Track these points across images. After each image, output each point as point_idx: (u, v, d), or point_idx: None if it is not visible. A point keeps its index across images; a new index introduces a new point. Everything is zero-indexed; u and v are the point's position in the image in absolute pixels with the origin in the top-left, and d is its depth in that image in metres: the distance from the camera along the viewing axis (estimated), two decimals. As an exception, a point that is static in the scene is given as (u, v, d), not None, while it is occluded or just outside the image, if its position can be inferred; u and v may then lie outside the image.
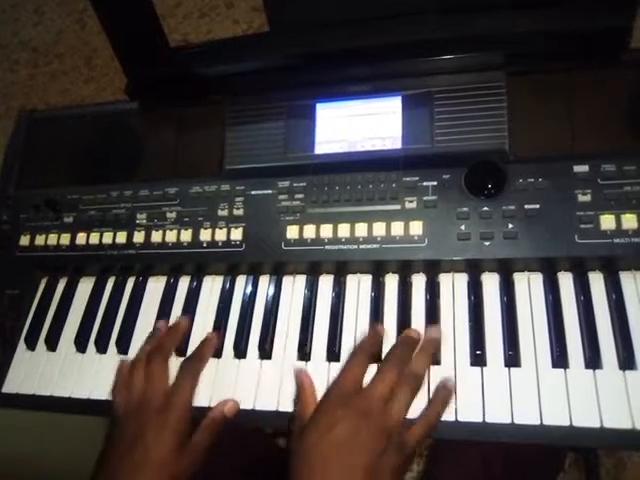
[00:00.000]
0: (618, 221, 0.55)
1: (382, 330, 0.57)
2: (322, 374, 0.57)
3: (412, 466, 1.15)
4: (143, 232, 0.68)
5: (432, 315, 0.57)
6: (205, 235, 0.65)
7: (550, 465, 0.67)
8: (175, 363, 0.59)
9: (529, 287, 0.57)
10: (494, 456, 0.62)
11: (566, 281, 0.57)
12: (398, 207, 0.61)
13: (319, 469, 0.47)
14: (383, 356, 0.55)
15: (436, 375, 0.54)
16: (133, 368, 0.58)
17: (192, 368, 0.58)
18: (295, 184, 0.65)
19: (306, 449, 0.48)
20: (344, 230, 0.61)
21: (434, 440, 0.69)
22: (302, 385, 0.55)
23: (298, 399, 0.55)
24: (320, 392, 0.54)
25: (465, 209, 0.59)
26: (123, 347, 0.64)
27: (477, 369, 0.54)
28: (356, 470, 0.46)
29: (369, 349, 0.55)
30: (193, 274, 0.67)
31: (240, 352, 0.60)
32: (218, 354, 0.61)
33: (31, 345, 0.67)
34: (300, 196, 0.64)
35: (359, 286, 0.62)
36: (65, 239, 0.70)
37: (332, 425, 0.48)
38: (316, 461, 0.47)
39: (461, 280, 0.59)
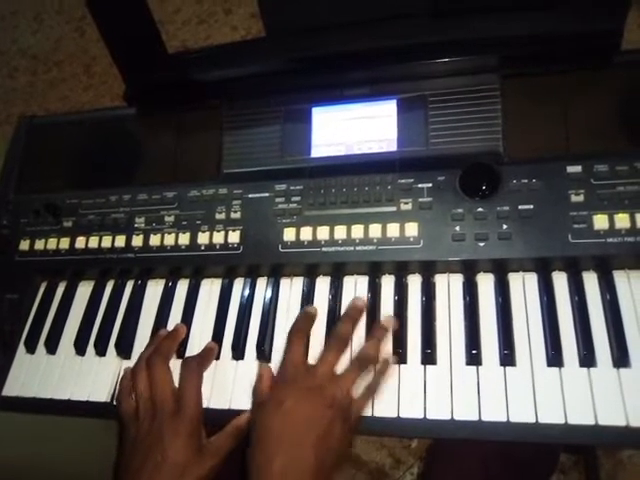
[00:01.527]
0: (611, 221, 0.55)
1: (313, 309, 0.61)
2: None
3: (413, 469, 1.15)
4: (142, 236, 0.68)
5: (428, 315, 0.58)
6: (203, 238, 0.66)
7: (546, 464, 0.67)
8: (176, 366, 0.60)
9: (524, 287, 0.58)
10: (492, 456, 0.62)
11: (560, 281, 0.57)
12: (394, 209, 0.62)
13: (272, 441, 0.50)
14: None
15: (432, 375, 0.55)
16: (135, 374, 0.59)
17: (195, 367, 0.58)
18: (292, 187, 0.66)
19: (259, 424, 0.52)
20: (340, 232, 0.62)
21: (432, 441, 0.69)
22: (261, 373, 0.57)
23: (256, 384, 0.57)
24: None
25: (460, 210, 0.59)
26: (122, 350, 0.64)
27: (473, 368, 0.54)
28: (304, 441, 0.49)
29: (303, 329, 0.59)
30: (191, 277, 0.68)
31: (238, 353, 0.61)
32: (217, 356, 0.62)
33: (31, 348, 0.68)
34: (297, 199, 0.65)
35: (356, 287, 0.62)
36: (64, 243, 0.71)
37: (281, 401, 0.52)
38: (268, 434, 0.51)
39: (456, 280, 0.60)
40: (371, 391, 0.54)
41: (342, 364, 0.55)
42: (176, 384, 0.59)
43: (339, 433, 0.50)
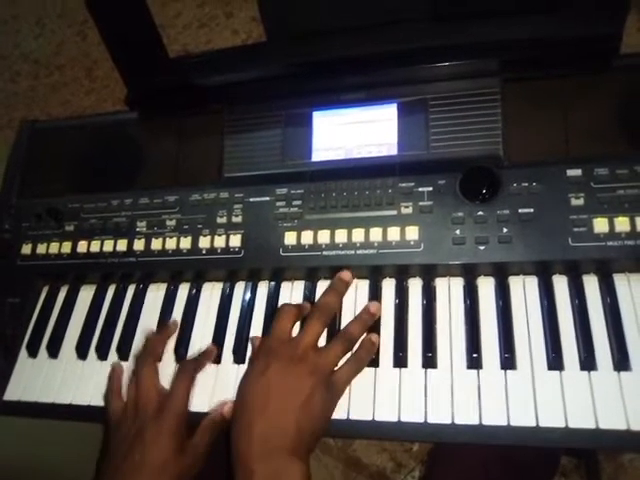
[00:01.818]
0: (611, 224, 0.55)
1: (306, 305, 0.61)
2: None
3: (414, 472, 1.15)
4: (143, 240, 0.69)
5: (428, 319, 0.58)
6: (204, 242, 0.66)
7: (547, 468, 0.67)
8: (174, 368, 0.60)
9: (524, 290, 0.58)
10: (492, 460, 0.62)
11: (561, 284, 0.57)
12: (394, 213, 0.62)
13: (253, 407, 0.51)
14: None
15: (432, 378, 0.55)
16: (125, 374, 0.60)
17: (188, 371, 0.59)
18: (293, 191, 0.66)
19: (242, 391, 0.53)
20: (341, 236, 0.62)
21: (433, 445, 0.69)
22: (253, 343, 0.59)
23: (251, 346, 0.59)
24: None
25: (460, 214, 0.60)
26: (124, 354, 0.65)
27: (473, 372, 0.54)
28: (285, 406, 0.51)
29: (295, 308, 0.59)
30: (193, 281, 0.68)
31: (239, 357, 0.61)
32: (217, 360, 0.62)
33: (33, 352, 0.68)
34: (298, 203, 0.65)
35: (356, 291, 0.62)
36: (66, 247, 0.71)
37: (263, 371, 0.53)
38: (250, 401, 0.52)
39: (457, 284, 0.60)
40: (353, 364, 0.55)
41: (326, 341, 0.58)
42: (166, 384, 0.59)
43: (320, 401, 0.52)
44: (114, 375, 0.62)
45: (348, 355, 0.56)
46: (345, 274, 0.61)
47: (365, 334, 0.58)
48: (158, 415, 0.55)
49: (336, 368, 0.55)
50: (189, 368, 0.59)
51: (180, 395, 0.57)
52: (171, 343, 0.64)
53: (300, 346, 0.55)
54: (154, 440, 0.53)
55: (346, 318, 0.60)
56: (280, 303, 0.63)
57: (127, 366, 0.63)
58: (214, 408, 0.58)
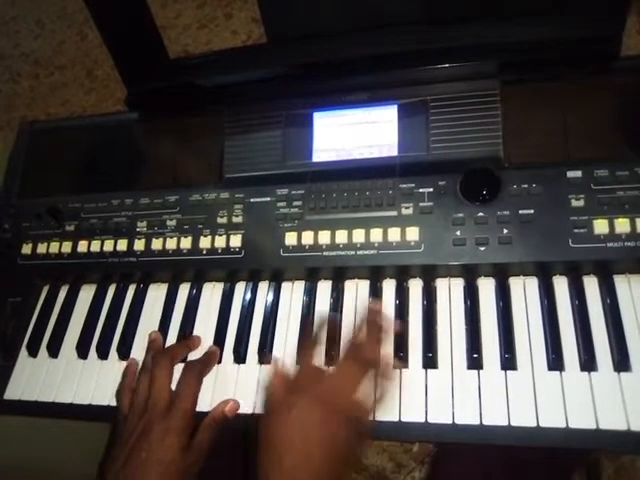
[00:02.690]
0: (611, 225, 0.55)
1: (335, 316, 0.60)
2: (321, 378, 0.57)
3: (414, 473, 1.15)
4: (143, 240, 0.69)
5: (429, 319, 0.58)
6: (205, 242, 0.66)
7: (551, 471, 0.67)
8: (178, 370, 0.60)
9: (524, 291, 0.58)
10: (495, 462, 0.63)
11: (561, 285, 0.57)
12: (395, 213, 0.62)
13: (282, 444, 0.50)
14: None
15: (433, 379, 0.55)
16: (141, 371, 0.60)
17: (196, 372, 0.59)
18: (293, 192, 0.66)
19: (270, 429, 0.52)
20: (342, 236, 0.62)
21: (435, 446, 0.69)
22: (274, 372, 0.57)
23: (267, 384, 0.57)
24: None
25: (460, 215, 0.60)
26: (124, 353, 0.65)
27: (474, 372, 0.54)
28: (314, 443, 0.50)
29: (318, 336, 0.58)
30: (193, 281, 0.68)
31: (240, 357, 0.61)
32: (218, 359, 0.62)
33: (33, 352, 0.68)
34: (298, 203, 0.65)
35: (357, 291, 0.62)
36: (67, 247, 0.71)
37: (291, 409, 0.51)
38: (279, 438, 0.51)
39: (457, 285, 0.60)
40: (378, 397, 0.54)
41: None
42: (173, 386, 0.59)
43: (348, 438, 0.51)
44: (129, 371, 0.62)
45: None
46: (375, 306, 0.59)
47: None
48: (166, 414, 0.55)
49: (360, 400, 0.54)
50: (196, 369, 0.59)
51: (188, 394, 0.57)
52: (172, 343, 0.64)
53: (328, 384, 0.53)
54: (161, 438, 0.53)
55: (345, 321, 0.61)
56: (280, 303, 0.64)
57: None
58: (216, 406, 0.58)
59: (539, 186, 0.59)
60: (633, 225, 0.55)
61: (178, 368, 0.60)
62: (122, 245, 0.69)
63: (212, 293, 0.67)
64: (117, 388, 0.62)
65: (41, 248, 0.72)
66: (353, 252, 0.61)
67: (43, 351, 0.68)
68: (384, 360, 0.56)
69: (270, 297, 0.64)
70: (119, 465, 0.53)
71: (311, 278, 0.64)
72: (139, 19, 0.69)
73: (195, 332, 0.64)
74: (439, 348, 0.56)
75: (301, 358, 0.57)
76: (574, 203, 0.57)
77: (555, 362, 0.53)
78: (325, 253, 0.62)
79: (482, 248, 0.58)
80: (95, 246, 0.70)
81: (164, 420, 0.55)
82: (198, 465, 0.55)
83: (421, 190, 0.62)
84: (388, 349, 0.57)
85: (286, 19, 0.72)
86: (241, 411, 0.58)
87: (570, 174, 0.58)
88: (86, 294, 0.71)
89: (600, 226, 0.56)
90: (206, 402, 0.59)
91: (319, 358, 0.57)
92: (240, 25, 1.74)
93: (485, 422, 0.52)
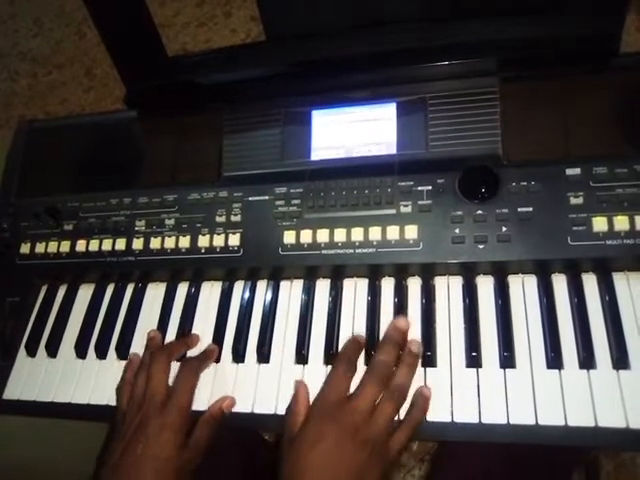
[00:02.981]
0: (610, 223, 0.55)
1: (362, 338, 0.58)
2: (319, 377, 0.57)
3: (414, 471, 1.15)
4: (142, 239, 0.68)
5: (428, 318, 0.58)
6: (203, 241, 0.66)
7: (550, 468, 0.67)
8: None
9: (523, 289, 0.58)
10: (495, 459, 0.62)
11: (560, 283, 0.57)
12: (393, 211, 0.62)
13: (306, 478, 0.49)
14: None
15: (432, 377, 0.55)
16: (139, 368, 0.60)
17: (193, 368, 0.59)
18: (292, 190, 0.66)
19: (295, 461, 0.50)
20: (340, 235, 0.62)
21: (436, 444, 0.69)
22: (297, 396, 0.56)
23: (291, 409, 0.56)
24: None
25: (459, 213, 0.60)
26: (123, 353, 0.65)
27: (473, 370, 0.54)
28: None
29: (350, 359, 0.56)
30: (192, 280, 0.68)
31: (238, 356, 0.61)
32: (216, 359, 0.62)
33: (32, 351, 0.68)
34: (297, 202, 0.65)
35: (356, 290, 0.62)
36: (65, 246, 0.71)
37: (318, 439, 0.50)
38: (303, 473, 0.49)
39: (456, 283, 0.60)
40: (408, 429, 0.52)
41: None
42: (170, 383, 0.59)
43: (376, 472, 0.50)
44: (130, 367, 0.62)
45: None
46: (401, 322, 0.57)
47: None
48: (162, 409, 0.55)
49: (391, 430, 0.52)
50: (193, 365, 0.59)
51: (185, 390, 0.57)
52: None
53: (357, 412, 0.51)
54: (157, 433, 0.53)
55: (344, 320, 0.61)
56: (279, 302, 0.63)
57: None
58: (213, 403, 0.58)
59: (538, 184, 0.59)
60: (632, 222, 0.55)
61: (177, 366, 0.60)
62: (120, 244, 0.69)
63: (211, 292, 0.67)
64: (117, 384, 0.62)
65: (39, 247, 0.72)
66: (352, 250, 0.61)
67: (42, 351, 0.67)
68: (421, 387, 0.54)
69: (269, 296, 0.64)
70: (115, 458, 0.53)
71: (310, 276, 0.64)
72: (137, 17, 0.69)
73: (194, 331, 0.64)
74: (438, 346, 0.56)
75: (330, 378, 0.55)
76: (573, 201, 0.57)
77: (554, 360, 0.53)
78: (324, 251, 0.62)
79: (481, 246, 0.58)
80: (93, 245, 0.70)
81: (160, 415, 0.54)
82: (195, 462, 0.55)
83: (420, 188, 0.62)
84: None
85: (285, 17, 0.72)
86: (239, 410, 0.58)
87: (569, 172, 0.58)
88: (84, 293, 0.71)
89: (599, 224, 0.56)
90: (204, 401, 0.59)
91: (351, 380, 0.55)
92: (239, 23, 1.74)
93: (484, 420, 0.52)
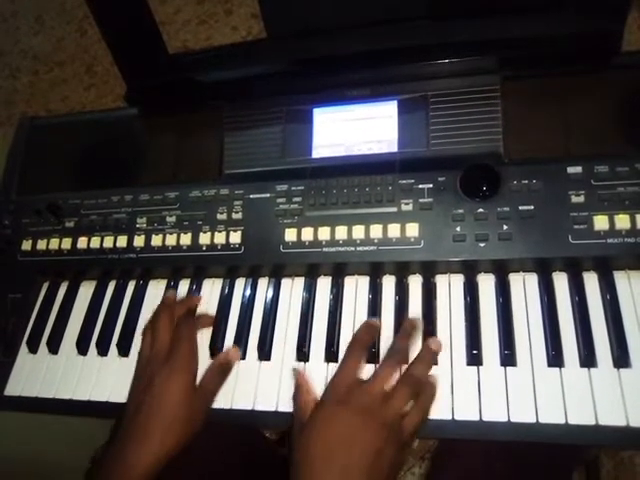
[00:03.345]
0: (611, 221, 0.55)
1: (376, 323, 0.58)
2: (320, 374, 0.58)
3: (414, 469, 1.15)
4: (143, 236, 0.68)
5: (429, 315, 0.58)
6: (204, 239, 0.66)
7: (550, 466, 0.67)
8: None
9: (524, 287, 0.58)
10: (496, 457, 0.62)
11: (561, 281, 0.57)
12: (394, 209, 0.62)
13: (319, 466, 0.48)
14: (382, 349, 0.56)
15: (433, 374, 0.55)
16: (145, 327, 0.62)
17: (190, 321, 0.61)
18: (293, 188, 0.66)
19: (306, 446, 0.49)
20: (341, 232, 0.62)
21: (436, 442, 0.69)
22: (299, 386, 0.56)
23: (295, 400, 0.56)
24: (318, 392, 0.55)
25: (460, 211, 0.60)
26: (124, 349, 0.65)
27: (473, 368, 0.54)
28: (355, 467, 0.47)
29: (364, 343, 0.56)
30: (193, 277, 0.68)
31: (240, 354, 0.61)
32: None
33: (33, 348, 0.68)
34: (298, 199, 0.65)
35: (357, 287, 0.62)
36: (66, 243, 0.71)
37: (331, 423, 0.50)
38: (316, 458, 0.48)
39: (457, 281, 0.60)
40: (419, 413, 0.52)
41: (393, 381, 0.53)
42: None
43: (391, 456, 0.49)
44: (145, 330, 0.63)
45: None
46: (413, 321, 0.57)
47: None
48: (167, 361, 0.57)
49: (405, 414, 0.52)
50: (189, 319, 0.61)
51: (185, 338, 0.58)
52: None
53: (370, 395, 0.51)
54: (166, 380, 0.55)
55: (345, 317, 0.61)
56: (280, 300, 0.64)
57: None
58: (220, 354, 0.60)
59: (539, 182, 0.59)
60: (633, 221, 0.55)
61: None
62: (122, 241, 0.69)
63: (212, 289, 0.67)
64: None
65: (41, 244, 0.72)
66: (353, 248, 0.61)
67: (43, 347, 0.68)
68: (429, 381, 0.54)
69: (270, 293, 0.64)
70: (131, 413, 0.55)
71: (311, 274, 0.64)
72: (138, 15, 0.69)
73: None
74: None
75: (343, 364, 0.54)
76: (574, 199, 0.57)
77: (555, 358, 0.53)
78: (325, 249, 0.62)
79: (482, 244, 0.58)
80: (95, 242, 0.70)
81: (166, 365, 0.56)
82: (204, 412, 0.56)
83: (421, 186, 0.62)
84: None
85: (286, 15, 0.72)
86: (241, 407, 0.58)
87: (570, 170, 0.58)
88: (86, 290, 0.71)
89: (600, 222, 0.56)
90: (206, 398, 0.59)
91: (362, 367, 0.54)
92: (240, 21, 1.74)
93: (485, 418, 0.52)
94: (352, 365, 0.54)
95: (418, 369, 0.53)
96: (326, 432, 0.49)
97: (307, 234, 0.63)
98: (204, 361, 0.60)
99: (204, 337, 0.63)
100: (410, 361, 0.54)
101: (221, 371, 0.59)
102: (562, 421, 0.50)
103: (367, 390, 0.51)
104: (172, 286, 0.68)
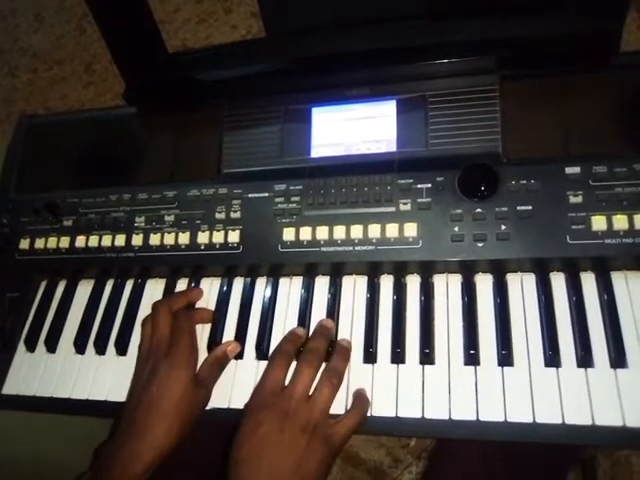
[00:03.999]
0: (609, 222, 0.55)
1: (300, 331, 0.60)
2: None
3: (411, 468, 1.15)
4: (141, 235, 0.68)
5: (426, 315, 0.58)
6: (203, 238, 0.66)
7: (547, 466, 0.67)
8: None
9: (522, 287, 0.58)
10: (494, 457, 0.63)
11: (558, 281, 0.57)
12: (393, 209, 0.62)
13: (248, 469, 0.49)
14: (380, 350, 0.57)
15: (430, 375, 0.55)
16: (145, 320, 0.62)
17: (188, 314, 0.61)
18: (291, 187, 0.66)
19: (235, 451, 0.51)
20: (340, 232, 0.62)
21: (433, 441, 0.69)
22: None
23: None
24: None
25: (459, 211, 0.60)
26: (122, 348, 0.65)
27: (471, 368, 0.54)
28: (281, 467, 0.49)
29: (287, 350, 0.57)
30: (191, 276, 0.68)
31: (238, 353, 0.61)
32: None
33: (31, 347, 0.68)
34: (296, 199, 0.65)
35: (355, 287, 0.62)
36: (65, 242, 0.71)
37: (256, 426, 0.51)
38: (244, 461, 0.50)
39: (455, 281, 0.60)
40: (356, 412, 0.54)
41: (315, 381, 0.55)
42: None
43: (317, 457, 0.49)
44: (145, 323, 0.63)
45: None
46: (326, 321, 0.60)
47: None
48: (167, 354, 0.57)
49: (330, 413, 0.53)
50: (188, 313, 0.62)
51: (186, 331, 0.59)
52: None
53: (293, 398, 0.52)
54: (167, 372, 0.55)
55: (343, 317, 0.61)
56: (278, 299, 0.64)
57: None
58: (219, 346, 0.61)
59: (537, 182, 0.59)
60: (631, 221, 0.55)
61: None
62: (120, 240, 0.69)
63: (210, 288, 0.67)
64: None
65: (39, 243, 0.72)
66: (351, 248, 0.61)
67: (41, 346, 0.68)
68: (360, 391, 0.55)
69: (268, 292, 0.64)
70: (133, 404, 0.55)
71: (309, 273, 0.64)
72: (138, 13, 0.68)
73: (193, 327, 0.64)
74: (436, 344, 0.56)
75: (267, 370, 0.56)
76: (572, 199, 0.57)
77: (552, 358, 0.53)
78: (323, 249, 0.62)
79: (480, 244, 0.58)
80: (93, 241, 0.70)
81: (167, 359, 0.56)
82: (204, 403, 0.57)
83: (419, 186, 0.62)
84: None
85: (285, 14, 0.72)
86: (238, 407, 0.58)
87: (569, 170, 0.58)
88: (84, 289, 0.71)
89: (598, 222, 0.56)
90: (204, 397, 0.59)
91: (287, 371, 0.56)
92: (239, 20, 1.73)
93: (482, 418, 0.52)
94: (273, 372, 0.55)
95: (335, 362, 0.55)
96: (252, 436, 0.50)
97: (305, 233, 0.63)
98: (203, 360, 0.60)
99: (203, 335, 0.63)
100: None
101: (218, 365, 0.59)
102: (559, 421, 0.50)
103: (288, 394, 0.53)
104: (170, 286, 0.68)
